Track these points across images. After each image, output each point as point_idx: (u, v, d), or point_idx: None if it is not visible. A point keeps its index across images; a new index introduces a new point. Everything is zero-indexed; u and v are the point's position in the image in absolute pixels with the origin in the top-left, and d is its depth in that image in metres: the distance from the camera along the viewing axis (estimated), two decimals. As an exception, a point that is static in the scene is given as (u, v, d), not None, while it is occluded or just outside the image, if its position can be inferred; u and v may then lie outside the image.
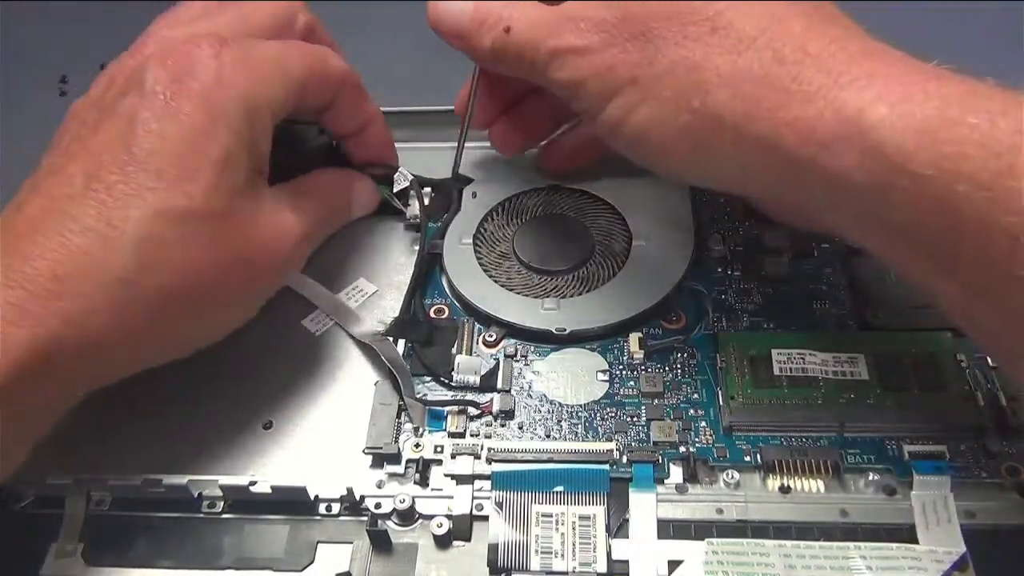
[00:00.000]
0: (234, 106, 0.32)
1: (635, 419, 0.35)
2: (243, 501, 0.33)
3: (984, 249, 0.24)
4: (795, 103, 0.27)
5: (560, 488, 0.32)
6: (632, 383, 0.36)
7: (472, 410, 0.35)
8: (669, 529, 0.32)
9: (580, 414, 0.35)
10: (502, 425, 0.35)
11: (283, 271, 0.35)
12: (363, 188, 0.41)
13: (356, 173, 0.41)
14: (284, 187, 0.36)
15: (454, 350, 0.37)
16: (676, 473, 0.33)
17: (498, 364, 0.37)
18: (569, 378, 0.36)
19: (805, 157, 0.28)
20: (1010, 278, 0.24)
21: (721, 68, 0.29)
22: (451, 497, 0.33)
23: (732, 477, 0.33)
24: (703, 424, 0.34)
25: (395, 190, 0.42)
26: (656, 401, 0.35)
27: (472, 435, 0.35)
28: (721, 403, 0.35)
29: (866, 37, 0.29)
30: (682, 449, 0.34)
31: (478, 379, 0.36)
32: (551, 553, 0.31)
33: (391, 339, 0.37)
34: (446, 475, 0.34)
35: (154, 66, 0.32)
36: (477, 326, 0.38)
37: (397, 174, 0.42)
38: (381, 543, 0.32)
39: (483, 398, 0.36)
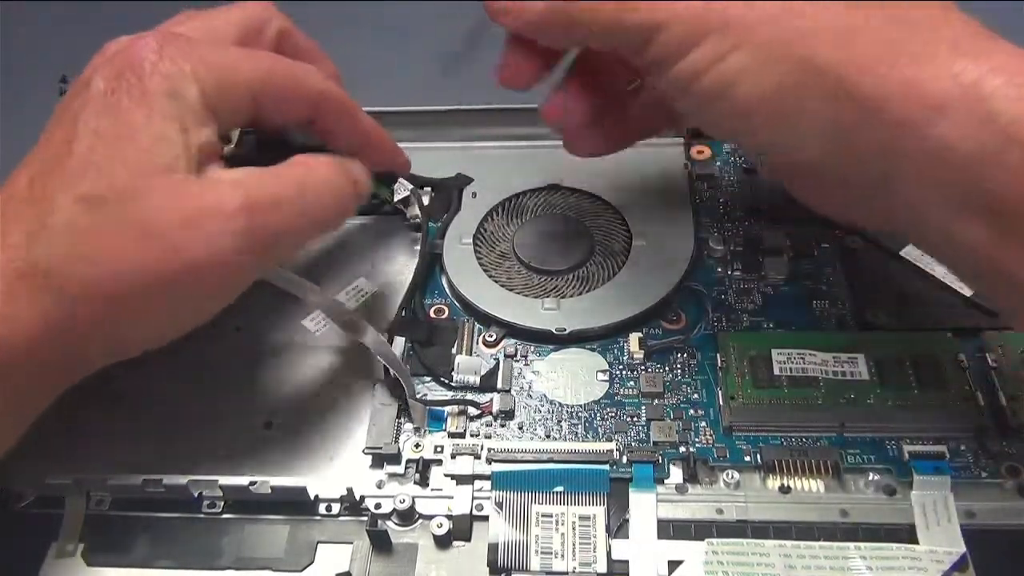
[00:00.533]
0: (171, 95, 0.31)
1: (635, 419, 0.35)
2: (243, 501, 0.33)
3: None
4: (910, 63, 0.27)
5: (560, 488, 0.33)
6: (632, 383, 0.36)
7: (472, 410, 0.35)
8: (669, 529, 0.32)
9: (580, 414, 0.35)
10: (502, 425, 0.35)
11: (225, 247, 0.31)
12: (359, 168, 0.36)
13: (345, 158, 0.37)
14: (239, 168, 0.33)
15: (454, 350, 0.37)
16: (676, 473, 0.33)
17: (498, 364, 0.37)
18: (569, 378, 0.36)
19: (913, 120, 0.26)
20: None
21: (829, 20, 0.28)
22: (451, 497, 0.33)
23: (732, 477, 0.33)
24: (703, 424, 0.34)
25: (396, 199, 0.42)
26: (656, 401, 0.35)
27: (472, 435, 0.35)
28: (721, 403, 0.35)
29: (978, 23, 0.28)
30: (682, 449, 0.34)
31: (478, 379, 0.36)
32: (551, 553, 0.31)
33: (390, 339, 0.37)
34: (446, 475, 0.34)
35: (101, 66, 0.32)
36: (477, 326, 0.38)
37: (397, 184, 0.42)
38: (381, 543, 0.32)
39: (483, 398, 0.36)
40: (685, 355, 0.37)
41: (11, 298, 0.29)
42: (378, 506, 0.33)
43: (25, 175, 0.31)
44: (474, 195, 0.43)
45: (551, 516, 0.32)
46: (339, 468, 0.34)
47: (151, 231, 0.30)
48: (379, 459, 0.34)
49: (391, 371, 0.36)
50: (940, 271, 0.38)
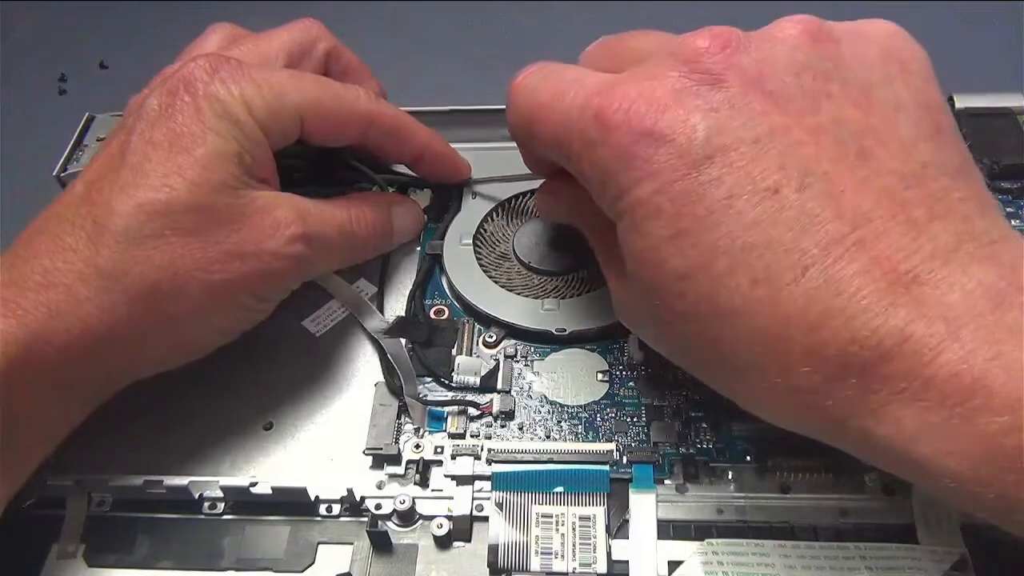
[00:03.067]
0: (223, 116, 0.32)
1: (635, 419, 0.35)
2: (244, 502, 0.33)
3: None
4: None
5: (560, 489, 0.33)
6: (632, 383, 0.36)
7: (472, 411, 0.35)
8: (669, 529, 0.32)
9: (580, 415, 0.35)
10: (502, 426, 0.35)
11: (278, 268, 0.34)
12: (403, 210, 0.41)
13: (398, 195, 0.42)
14: (293, 195, 0.35)
15: (454, 351, 0.38)
16: (676, 473, 0.33)
17: (498, 365, 0.37)
18: (569, 379, 0.37)
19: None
20: None
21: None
22: (451, 498, 0.33)
23: (732, 477, 0.33)
24: (703, 424, 0.34)
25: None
26: (656, 402, 0.35)
27: (472, 436, 0.35)
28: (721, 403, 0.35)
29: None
30: (682, 449, 0.34)
31: (478, 380, 0.36)
32: (551, 554, 0.31)
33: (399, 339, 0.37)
34: (446, 476, 0.34)
35: (156, 87, 0.34)
36: (477, 327, 0.38)
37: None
38: (381, 544, 0.32)
39: (483, 399, 0.36)
40: (685, 355, 0.37)
41: (75, 299, 0.30)
42: (378, 507, 0.33)
43: (81, 183, 0.33)
44: (474, 196, 0.43)
45: (551, 517, 0.32)
46: (339, 469, 0.34)
47: (212, 243, 0.32)
48: (379, 460, 0.34)
49: (394, 368, 0.36)
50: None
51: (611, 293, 0.33)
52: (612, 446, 0.34)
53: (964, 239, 0.24)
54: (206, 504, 0.34)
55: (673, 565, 0.31)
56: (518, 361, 0.37)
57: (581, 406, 0.36)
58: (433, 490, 0.34)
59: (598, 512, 0.32)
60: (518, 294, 0.39)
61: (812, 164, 0.25)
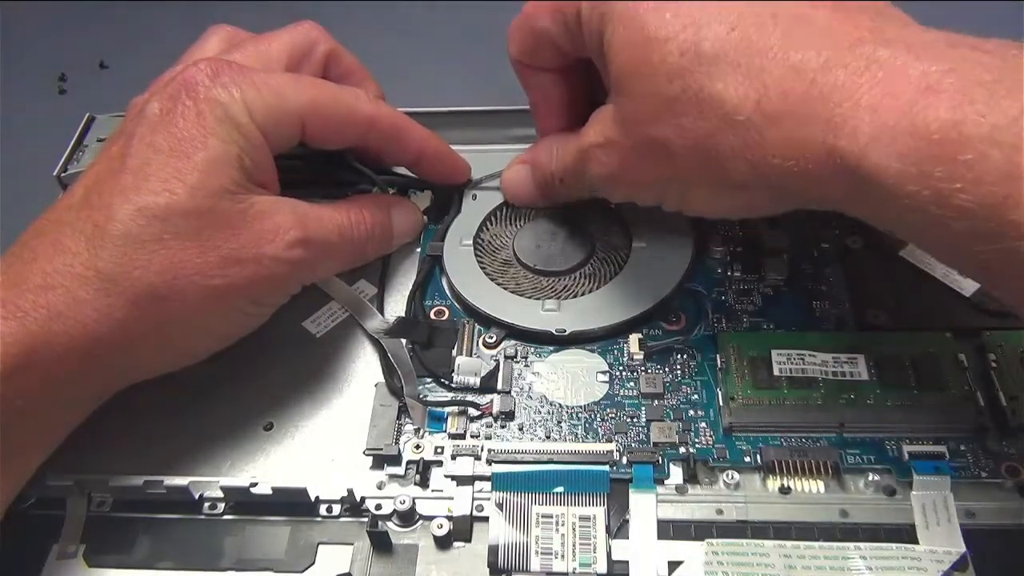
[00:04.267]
0: (224, 120, 0.32)
1: (635, 420, 0.35)
2: (244, 502, 0.33)
3: None
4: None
5: (560, 489, 0.33)
6: (632, 384, 0.36)
7: (472, 411, 0.35)
8: (669, 530, 0.32)
9: (580, 415, 0.35)
10: (502, 426, 0.35)
11: (277, 272, 0.34)
12: (402, 212, 0.41)
13: (397, 197, 0.42)
14: (292, 199, 0.35)
15: (454, 351, 0.38)
16: (676, 474, 0.33)
17: (498, 365, 0.37)
18: (569, 379, 0.37)
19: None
20: None
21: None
22: (451, 498, 0.33)
23: (732, 478, 0.33)
24: (703, 425, 0.35)
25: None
26: (656, 402, 0.35)
27: (472, 436, 0.35)
28: (721, 404, 0.35)
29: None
30: (682, 450, 0.34)
31: (478, 380, 0.36)
32: (551, 554, 0.31)
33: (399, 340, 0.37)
34: (446, 476, 0.34)
35: (157, 91, 0.34)
36: (477, 327, 0.38)
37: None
38: (382, 544, 0.32)
39: (483, 399, 0.36)
40: (685, 356, 0.37)
41: (74, 302, 0.30)
42: (379, 507, 0.33)
43: (81, 187, 0.33)
44: (474, 197, 0.43)
45: (551, 517, 0.32)
46: (340, 469, 0.34)
47: (211, 248, 0.32)
48: (379, 460, 0.34)
49: (395, 368, 0.36)
50: (940, 271, 0.38)
51: (594, 147, 0.34)
52: (612, 446, 0.34)
53: (905, 33, 0.27)
54: (206, 504, 0.34)
55: (673, 565, 0.31)
56: (518, 362, 0.37)
57: (581, 406, 0.36)
58: (433, 490, 0.34)
59: (598, 512, 0.32)
60: (518, 295, 0.39)
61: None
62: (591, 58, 0.34)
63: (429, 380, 0.37)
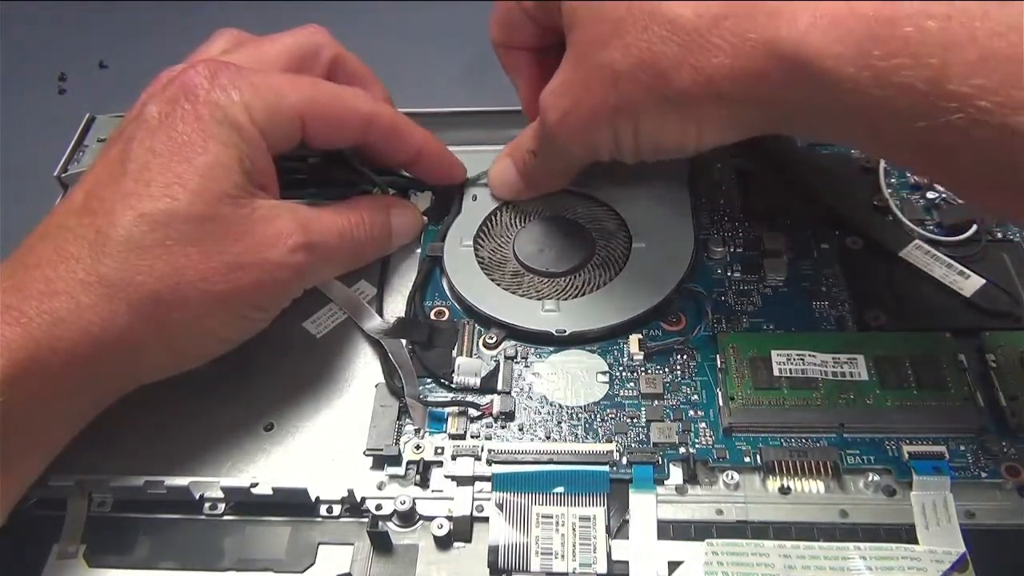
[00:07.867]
0: (224, 123, 0.32)
1: (635, 420, 0.35)
2: (244, 503, 0.33)
3: None
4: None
5: (560, 489, 0.33)
6: (632, 384, 0.36)
7: (472, 412, 0.35)
8: (669, 530, 0.32)
9: (580, 415, 0.35)
10: (502, 427, 0.35)
11: (280, 278, 0.34)
12: (401, 213, 0.41)
13: (396, 198, 0.42)
14: (293, 203, 0.35)
15: (454, 352, 0.38)
16: (676, 474, 0.33)
17: (498, 366, 0.37)
18: (569, 380, 0.37)
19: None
20: None
21: None
22: (451, 498, 0.33)
23: (732, 478, 0.33)
24: (703, 425, 0.35)
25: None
26: (656, 402, 0.35)
27: (472, 437, 0.35)
28: (721, 404, 0.35)
29: None
30: (682, 450, 0.34)
31: (478, 381, 0.36)
32: (551, 554, 0.31)
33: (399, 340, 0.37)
34: (446, 476, 0.34)
35: (154, 94, 0.34)
36: (477, 328, 0.39)
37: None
38: (382, 544, 0.32)
39: (483, 400, 0.36)
40: (685, 356, 0.37)
41: (77, 307, 0.30)
42: (379, 507, 0.33)
43: (81, 191, 0.33)
44: (475, 198, 0.43)
45: (551, 517, 0.32)
46: (340, 470, 0.34)
47: (214, 254, 0.32)
48: (380, 461, 0.34)
49: (395, 369, 0.36)
50: (940, 271, 0.38)
51: (548, 94, 0.34)
52: (612, 447, 0.34)
53: None
54: (207, 505, 0.34)
55: (673, 565, 0.31)
56: (518, 362, 0.37)
57: (581, 407, 0.36)
58: (433, 491, 0.34)
59: (598, 512, 0.32)
60: (518, 295, 0.39)
61: None
62: (563, 30, 0.34)
63: (429, 381, 0.37)
